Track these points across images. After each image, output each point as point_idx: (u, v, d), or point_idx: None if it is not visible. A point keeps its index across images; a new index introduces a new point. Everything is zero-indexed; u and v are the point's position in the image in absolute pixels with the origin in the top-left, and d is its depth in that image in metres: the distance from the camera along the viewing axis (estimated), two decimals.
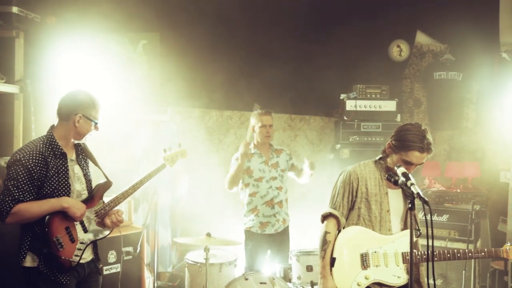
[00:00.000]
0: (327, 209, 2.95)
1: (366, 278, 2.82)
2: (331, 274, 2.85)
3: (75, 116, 2.75)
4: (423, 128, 2.76)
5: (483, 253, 2.91)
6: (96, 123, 2.83)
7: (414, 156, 2.72)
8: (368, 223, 2.88)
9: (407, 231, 2.80)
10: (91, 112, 2.80)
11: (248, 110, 6.35)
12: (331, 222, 2.89)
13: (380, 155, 2.98)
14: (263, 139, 4.48)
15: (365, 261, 2.85)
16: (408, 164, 2.74)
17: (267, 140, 4.50)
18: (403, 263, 2.84)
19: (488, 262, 5.07)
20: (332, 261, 2.86)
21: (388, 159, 2.87)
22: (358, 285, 2.81)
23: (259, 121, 4.45)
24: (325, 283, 2.79)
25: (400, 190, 2.91)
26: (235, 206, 5.05)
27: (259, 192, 4.42)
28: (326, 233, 2.87)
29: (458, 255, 2.88)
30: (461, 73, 5.85)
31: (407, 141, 2.72)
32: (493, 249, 2.94)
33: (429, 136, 2.74)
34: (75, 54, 4.59)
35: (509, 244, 2.95)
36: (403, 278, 2.83)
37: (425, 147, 2.70)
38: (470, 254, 2.89)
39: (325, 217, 2.94)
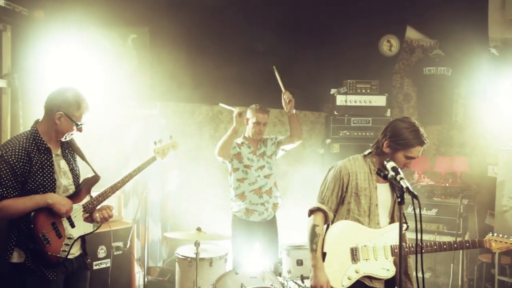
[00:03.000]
0: (315, 203, 2.96)
1: (356, 272, 2.85)
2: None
3: (56, 113, 2.70)
4: (413, 122, 2.86)
5: (467, 244, 2.98)
6: (78, 125, 2.76)
7: (417, 151, 2.83)
8: (358, 217, 2.90)
9: (395, 225, 2.86)
10: (74, 112, 2.73)
11: (239, 104, 6.34)
12: (319, 216, 2.91)
13: (369, 150, 3.00)
14: (254, 135, 4.49)
15: (355, 255, 2.87)
16: (410, 159, 2.85)
17: (257, 137, 4.52)
18: (392, 256, 2.88)
19: (475, 255, 5.13)
20: (323, 255, 2.89)
21: (387, 158, 2.84)
22: (349, 279, 2.84)
23: (254, 117, 4.44)
24: (319, 275, 2.80)
25: (388, 184, 2.94)
26: (225, 201, 5.05)
27: (248, 179, 4.43)
28: (314, 226, 2.88)
29: (444, 246, 2.94)
30: (451, 68, 5.89)
31: (408, 139, 2.80)
32: (477, 240, 3.01)
33: (422, 129, 2.84)
34: (63, 48, 4.54)
35: (491, 234, 3.03)
36: (392, 271, 2.87)
37: (424, 141, 2.82)
38: (455, 246, 2.95)
39: (312, 211, 2.95)
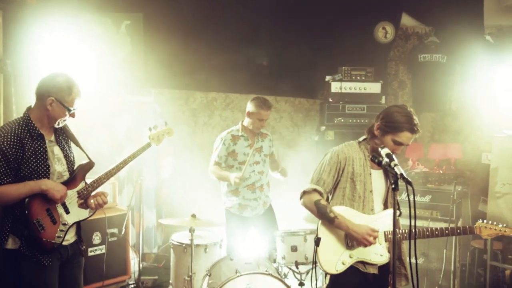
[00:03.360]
0: (309, 185, 2.94)
1: (350, 257, 2.87)
2: (317, 252, 2.89)
3: (47, 99, 2.68)
4: (409, 109, 2.84)
5: (458, 230, 3.00)
6: (70, 110, 2.74)
7: (405, 136, 2.80)
8: (352, 203, 2.91)
9: (389, 211, 2.87)
10: (65, 97, 2.70)
11: (234, 91, 6.33)
12: (315, 194, 2.89)
13: (364, 136, 3.01)
14: (254, 129, 4.43)
15: (350, 240, 2.88)
16: (398, 144, 2.82)
17: (256, 131, 4.47)
18: (385, 241, 2.89)
19: (468, 241, 5.17)
20: (318, 241, 2.90)
21: (376, 140, 2.89)
22: (343, 264, 2.86)
23: (258, 113, 4.33)
24: (356, 229, 2.80)
25: (381, 171, 2.96)
26: (220, 188, 5.06)
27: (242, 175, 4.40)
28: (317, 201, 2.86)
29: (436, 232, 2.95)
30: (446, 56, 5.89)
31: (398, 122, 2.79)
32: (467, 226, 3.04)
33: (416, 117, 2.82)
34: (56, 34, 4.50)
35: (481, 221, 3.06)
36: (386, 256, 2.88)
37: (415, 128, 2.79)
38: (447, 232, 2.96)
39: (306, 193, 2.94)
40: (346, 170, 2.91)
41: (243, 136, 4.44)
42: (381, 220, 2.91)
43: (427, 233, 2.95)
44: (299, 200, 2.98)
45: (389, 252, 2.88)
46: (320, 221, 2.93)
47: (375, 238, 2.82)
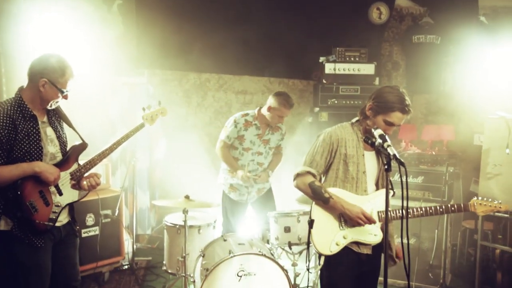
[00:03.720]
0: (303, 168, 2.94)
1: (344, 238, 2.88)
2: (311, 234, 2.90)
3: (40, 80, 2.64)
4: (401, 90, 2.83)
5: (453, 208, 3.00)
6: (63, 92, 2.71)
7: (396, 117, 2.79)
8: (346, 184, 2.92)
9: (382, 191, 2.88)
10: (58, 79, 2.67)
11: (227, 72, 6.30)
12: (309, 176, 2.89)
13: (357, 118, 3.00)
14: (272, 123, 4.41)
15: (343, 221, 2.90)
16: (389, 125, 2.81)
17: (272, 124, 4.43)
18: (379, 221, 2.90)
19: (459, 221, 5.23)
20: (311, 222, 2.91)
21: (368, 121, 2.88)
22: (337, 244, 2.87)
23: (279, 110, 4.27)
24: (350, 208, 2.81)
25: (374, 152, 2.97)
26: (213, 169, 5.07)
27: (241, 160, 4.43)
28: (311, 182, 2.86)
29: (430, 211, 2.97)
30: (440, 37, 5.86)
31: (390, 102, 2.78)
32: (462, 204, 3.04)
33: (408, 98, 2.81)
34: (46, 14, 4.42)
35: (475, 198, 3.08)
36: (379, 236, 2.89)
37: (406, 108, 2.78)
38: (441, 210, 2.98)
39: (299, 175, 2.94)
40: (338, 151, 2.90)
41: (255, 125, 4.41)
42: (374, 201, 2.92)
43: (421, 211, 2.97)
44: (293, 182, 2.98)
45: (382, 231, 2.90)
46: (313, 203, 2.94)
47: (369, 220, 2.82)
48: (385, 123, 2.81)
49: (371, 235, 2.89)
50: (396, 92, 2.81)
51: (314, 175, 2.91)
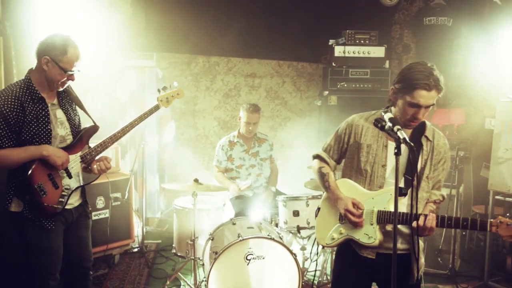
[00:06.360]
0: (317, 151, 2.84)
1: (340, 233, 2.63)
2: (316, 222, 2.81)
3: (43, 58, 2.62)
4: (429, 65, 2.45)
5: (465, 223, 2.47)
6: (67, 72, 2.65)
7: (420, 95, 2.38)
8: (359, 176, 2.63)
9: (391, 188, 2.48)
10: (59, 57, 2.62)
11: (236, 56, 6.26)
12: (319, 161, 2.80)
13: (387, 105, 2.62)
14: (245, 133, 4.63)
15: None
16: (415, 106, 2.40)
17: (248, 135, 4.64)
18: (378, 223, 2.51)
19: (469, 206, 5.20)
20: (317, 210, 2.80)
21: (393, 108, 2.53)
22: (332, 238, 2.66)
23: (244, 117, 4.56)
24: (343, 198, 2.56)
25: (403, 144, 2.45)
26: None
27: (240, 177, 4.64)
28: (320, 168, 2.75)
29: (449, 222, 2.49)
30: (451, 19, 5.76)
31: (411, 80, 2.39)
32: (483, 219, 2.47)
33: (437, 73, 2.42)
34: None
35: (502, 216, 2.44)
36: (375, 239, 2.50)
37: (432, 84, 2.37)
38: (464, 223, 2.45)
39: (314, 157, 2.86)
40: (352, 139, 2.65)
41: (239, 142, 4.67)
42: (377, 198, 2.53)
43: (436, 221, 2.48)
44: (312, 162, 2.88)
45: (381, 234, 2.50)
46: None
47: (357, 216, 2.50)
48: (409, 105, 2.42)
49: (366, 236, 2.52)
50: (422, 68, 2.42)
51: (323, 159, 2.79)
